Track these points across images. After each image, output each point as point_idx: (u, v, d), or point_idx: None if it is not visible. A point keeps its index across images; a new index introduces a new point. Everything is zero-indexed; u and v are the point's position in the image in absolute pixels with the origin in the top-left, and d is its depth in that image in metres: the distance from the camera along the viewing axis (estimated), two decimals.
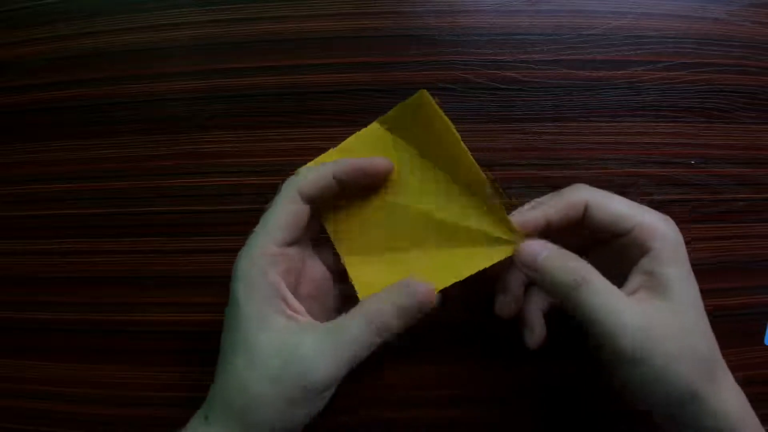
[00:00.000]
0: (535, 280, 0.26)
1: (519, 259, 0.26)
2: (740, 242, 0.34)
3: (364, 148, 0.29)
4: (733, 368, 0.33)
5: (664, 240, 0.26)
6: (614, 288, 0.25)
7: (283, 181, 0.29)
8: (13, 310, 0.36)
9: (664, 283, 0.25)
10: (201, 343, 0.35)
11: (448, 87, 0.35)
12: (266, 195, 0.35)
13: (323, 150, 0.35)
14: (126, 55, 0.36)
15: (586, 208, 0.27)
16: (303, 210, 0.27)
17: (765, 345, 0.33)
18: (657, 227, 0.26)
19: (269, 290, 0.25)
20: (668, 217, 0.27)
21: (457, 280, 0.26)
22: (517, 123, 0.35)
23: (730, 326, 0.33)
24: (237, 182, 0.35)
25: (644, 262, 0.26)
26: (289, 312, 0.25)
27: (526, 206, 0.28)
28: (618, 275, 0.26)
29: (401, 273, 0.27)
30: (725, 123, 0.35)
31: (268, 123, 0.35)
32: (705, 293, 0.34)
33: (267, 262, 0.26)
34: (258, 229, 0.27)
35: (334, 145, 0.35)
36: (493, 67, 0.35)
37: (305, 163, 0.35)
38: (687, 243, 0.33)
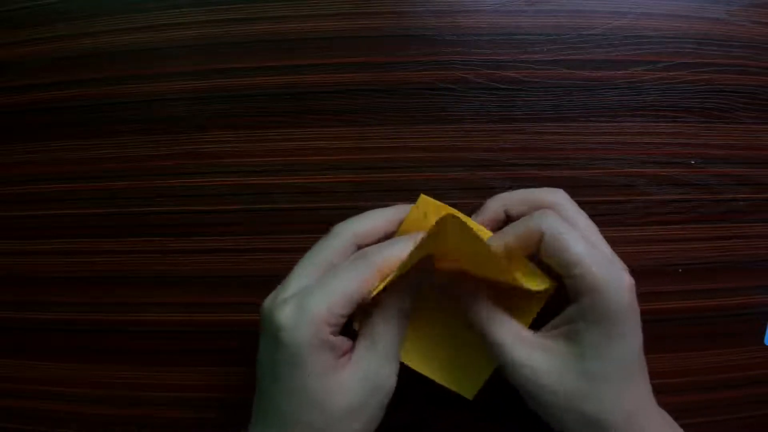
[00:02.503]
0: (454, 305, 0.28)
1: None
2: (740, 242, 0.34)
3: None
4: (733, 368, 0.33)
5: (597, 298, 0.24)
6: (514, 325, 0.26)
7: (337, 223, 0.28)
8: (13, 310, 0.36)
9: (578, 339, 0.25)
10: (201, 343, 0.35)
11: (448, 87, 0.35)
12: (269, 195, 0.35)
13: (323, 150, 0.35)
14: (126, 55, 0.36)
15: (540, 239, 0.26)
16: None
17: (765, 345, 0.33)
18: (597, 284, 0.24)
19: (329, 346, 0.25)
20: (624, 276, 0.25)
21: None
22: (517, 123, 0.35)
23: (730, 326, 0.34)
24: (237, 182, 0.35)
25: (571, 311, 0.25)
26: (343, 359, 0.26)
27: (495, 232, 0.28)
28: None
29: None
30: (725, 123, 0.35)
31: (268, 123, 0.35)
32: (705, 293, 0.34)
33: (330, 324, 0.25)
34: (330, 282, 0.25)
35: (334, 145, 0.35)
36: (493, 67, 0.35)
37: (305, 163, 0.35)
38: (687, 243, 0.33)
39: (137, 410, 0.34)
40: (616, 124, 0.34)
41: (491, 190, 0.34)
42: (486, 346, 0.26)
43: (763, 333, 0.34)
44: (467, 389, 0.28)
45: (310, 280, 0.26)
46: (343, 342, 0.26)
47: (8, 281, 0.36)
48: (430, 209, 0.28)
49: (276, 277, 0.34)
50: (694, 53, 0.35)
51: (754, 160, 0.34)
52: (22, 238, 0.36)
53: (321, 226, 0.34)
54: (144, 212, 0.35)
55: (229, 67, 0.36)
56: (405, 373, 0.27)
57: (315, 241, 0.30)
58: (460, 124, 0.35)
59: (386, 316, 0.26)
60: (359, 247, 0.27)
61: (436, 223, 0.23)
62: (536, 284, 0.26)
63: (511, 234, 0.27)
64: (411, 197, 0.31)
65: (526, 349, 0.25)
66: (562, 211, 0.27)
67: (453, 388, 0.29)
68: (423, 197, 0.28)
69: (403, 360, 0.28)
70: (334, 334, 0.25)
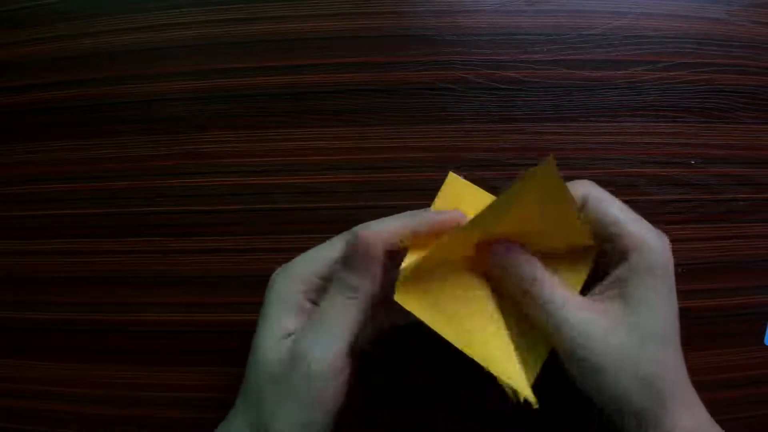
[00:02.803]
0: (503, 276, 0.27)
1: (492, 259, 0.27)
2: (740, 242, 0.34)
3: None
4: (733, 368, 0.33)
5: (645, 254, 0.25)
6: (567, 289, 0.26)
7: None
8: (13, 310, 0.36)
9: (627, 297, 0.25)
10: (200, 343, 0.35)
11: (448, 87, 0.35)
12: (269, 195, 0.35)
13: (323, 150, 0.35)
14: (126, 55, 0.36)
15: (584, 204, 0.27)
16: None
17: (765, 345, 0.33)
18: (643, 240, 0.25)
19: (298, 304, 0.27)
20: (663, 235, 0.26)
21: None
22: (518, 123, 0.35)
23: (730, 326, 0.34)
24: (237, 182, 0.35)
25: (619, 271, 0.26)
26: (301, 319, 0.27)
27: None
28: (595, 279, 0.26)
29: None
30: (725, 123, 0.35)
31: (268, 123, 0.35)
32: (705, 293, 0.34)
33: (303, 282, 0.27)
34: (322, 249, 0.27)
35: (334, 145, 0.35)
36: (493, 67, 0.35)
37: (305, 163, 0.35)
38: (687, 243, 0.33)
39: (137, 410, 0.34)
40: (616, 124, 0.34)
41: (491, 191, 0.34)
42: (535, 311, 0.26)
43: (763, 333, 0.34)
44: (520, 382, 0.26)
45: None
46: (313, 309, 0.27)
47: (8, 281, 0.36)
48: (461, 189, 0.29)
49: None
50: (694, 53, 0.35)
51: (754, 160, 0.34)
52: (22, 238, 0.36)
53: (321, 226, 0.34)
54: (144, 212, 0.35)
55: (229, 67, 0.36)
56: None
57: (315, 241, 0.30)
58: (460, 124, 0.35)
59: (333, 298, 0.26)
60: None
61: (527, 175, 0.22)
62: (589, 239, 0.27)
63: None
64: (411, 197, 0.31)
65: (575, 309, 0.25)
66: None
67: (505, 378, 0.26)
68: (452, 175, 0.29)
69: (464, 350, 0.25)
70: (307, 294, 0.27)
